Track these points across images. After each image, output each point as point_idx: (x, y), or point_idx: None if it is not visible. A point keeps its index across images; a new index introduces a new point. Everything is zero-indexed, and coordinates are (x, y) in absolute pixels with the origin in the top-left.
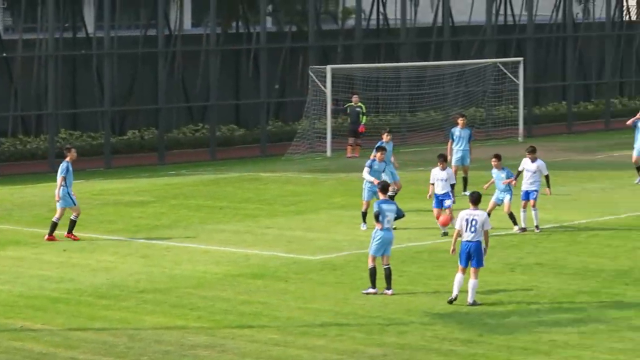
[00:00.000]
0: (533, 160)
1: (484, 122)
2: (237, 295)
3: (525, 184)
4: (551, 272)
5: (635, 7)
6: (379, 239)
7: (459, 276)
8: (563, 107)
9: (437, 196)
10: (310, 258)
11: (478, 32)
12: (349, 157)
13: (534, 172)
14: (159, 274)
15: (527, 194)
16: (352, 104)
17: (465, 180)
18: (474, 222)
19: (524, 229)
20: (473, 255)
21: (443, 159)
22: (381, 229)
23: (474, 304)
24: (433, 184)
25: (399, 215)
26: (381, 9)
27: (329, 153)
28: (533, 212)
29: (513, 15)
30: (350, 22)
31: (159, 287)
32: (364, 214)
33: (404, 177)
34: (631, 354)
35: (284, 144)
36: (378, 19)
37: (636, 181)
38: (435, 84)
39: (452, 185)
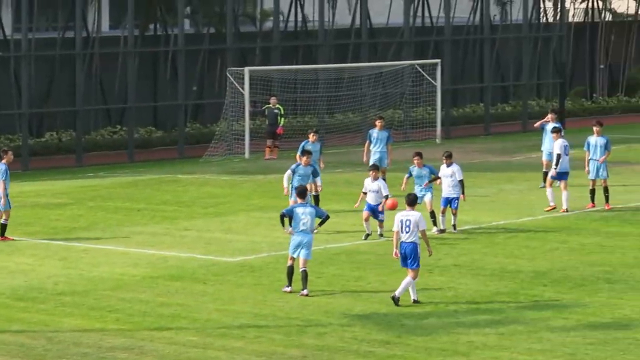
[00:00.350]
0: (449, 165)
1: (402, 124)
2: (155, 297)
3: (446, 190)
4: (469, 274)
5: (552, 8)
6: (293, 240)
7: (408, 279)
8: (480, 109)
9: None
10: (228, 260)
11: (396, 34)
12: (267, 159)
13: (452, 177)
14: (77, 276)
15: (447, 201)
16: (270, 105)
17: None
18: (408, 223)
19: (442, 231)
20: (409, 256)
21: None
22: (292, 233)
23: (396, 299)
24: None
25: (321, 216)
26: (299, 11)
27: (247, 155)
28: (452, 217)
29: (431, 17)
30: (268, 24)
31: (77, 290)
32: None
33: (322, 178)
34: (549, 355)
35: (202, 146)
36: (296, 20)
37: (541, 185)
38: (353, 85)
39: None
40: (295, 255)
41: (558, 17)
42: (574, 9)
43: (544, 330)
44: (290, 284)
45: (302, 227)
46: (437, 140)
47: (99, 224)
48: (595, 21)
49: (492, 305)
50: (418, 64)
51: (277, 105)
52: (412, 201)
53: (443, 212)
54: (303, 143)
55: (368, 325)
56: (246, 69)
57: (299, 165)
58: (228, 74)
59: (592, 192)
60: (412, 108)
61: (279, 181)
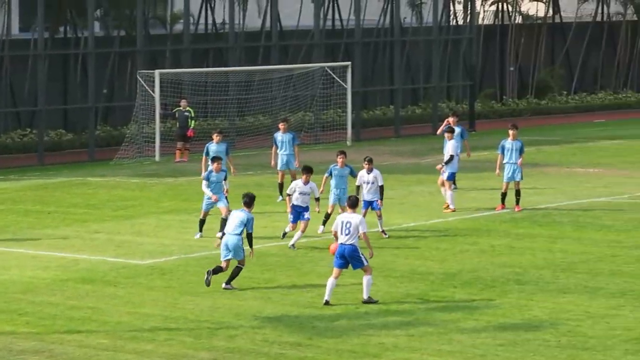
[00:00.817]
0: (370, 170)
1: (313, 127)
2: (66, 300)
3: (367, 196)
4: (380, 275)
5: (462, 11)
6: (222, 244)
7: (331, 280)
8: (391, 111)
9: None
10: (139, 262)
11: (306, 36)
12: (178, 162)
13: (373, 184)
14: None
15: (369, 204)
16: (181, 108)
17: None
18: (348, 225)
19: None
20: (348, 257)
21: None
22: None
23: (369, 300)
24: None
25: (247, 222)
26: (209, 14)
27: (157, 157)
28: (379, 222)
29: (341, 19)
30: (179, 26)
31: None
32: (202, 222)
33: (233, 181)
34: (459, 356)
35: (112, 149)
36: (206, 23)
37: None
38: (264, 88)
39: (381, 187)
40: (224, 259)
41: (468, 20)
42: (484, 11)
43: (455, 331)
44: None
45: (235, 231)
46: (348, 143)
47: (9, 227)
48: (505, 24)
49: (402, 307)
50: (328, 67)
51: (188, 108)
52: (354, 203)
53: (364, 215)
54: (207, 144)
55: (279, 328)
56: (156, 72)
57: (210, 172)
58: (138, 77)
59: (504, 194)
60: (322, 110)
61: (190, 184)
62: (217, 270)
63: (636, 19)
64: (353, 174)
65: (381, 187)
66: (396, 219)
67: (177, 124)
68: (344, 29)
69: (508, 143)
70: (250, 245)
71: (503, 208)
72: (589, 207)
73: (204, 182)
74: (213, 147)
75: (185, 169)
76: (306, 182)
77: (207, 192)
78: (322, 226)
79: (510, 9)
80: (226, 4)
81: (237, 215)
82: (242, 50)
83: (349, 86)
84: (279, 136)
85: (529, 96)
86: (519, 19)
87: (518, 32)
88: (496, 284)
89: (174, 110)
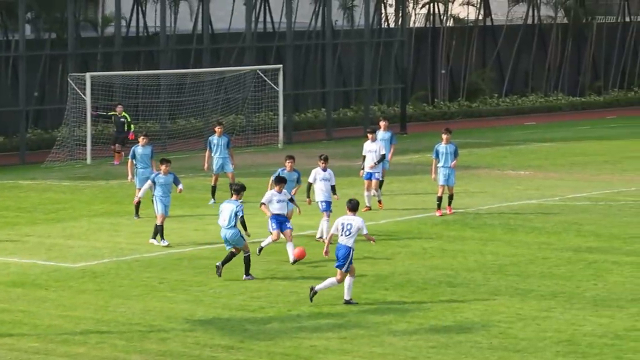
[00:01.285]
0: (325, 169)
1: (244, 129)
2: None
3: (322, 195)
4: (312, 278)
5: (393, 14)
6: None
7: (332, 280)
8: (322, 114)
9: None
10: (70, 266)
11: (238, 39)
12: (117, 164)
13: (328, 181)
14: None
15: (328, 205)
16: (116, 113)
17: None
18: (349, 227)
19: (321, 238)
20: (340, 258)
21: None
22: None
23: (350, 302)
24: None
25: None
26: (141, 17)
27: (89, 160)
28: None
29: (272, 22)
30: (110, 29)
31: None
32: (161, 228)
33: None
34: (391, 358)
35: (43, 152)
36: (138, 26)
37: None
38: (196, 91)
39: (333, 187)
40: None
41: (399, 23)
42: (415, 14)
43: (386, 334)
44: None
45: (229, 224)
46: (279, 146)
47: None
48: (436, 27)
49: (334, 310)
50: (260, 69)
51: (124, 114)
52: (355, 206)
53: (327, 218)
54: (134, 147)
55: (210, 330)
56: (87, 75)
57: (158, 174)
58: (69, 80)
59: (440, 199)
60: (254, 113)
61: (121, 187)
62: (228, 258)
63: (566, 22)
64: (299, 181)
65: (333, 187)
66: (331, 222)
67: (115, 128)
68: (276, 31)
69: (442, 147)
70: (245, 228)
71: (442, 214)
72: (520, 210)
73: (148, 183)
74: (139, 150)
75: (116, 171)
76: (280, 191)
77: (141, 194)
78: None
79: (441, 12)
80: (158, 7)
81: (227, 207)
82: (174, 53)
83: (280, 89)
84: (215, 139)
85: (460, 99)
86: (450, 22)
87: (449, 35)
88: (428, 287)
89: (109, 114)
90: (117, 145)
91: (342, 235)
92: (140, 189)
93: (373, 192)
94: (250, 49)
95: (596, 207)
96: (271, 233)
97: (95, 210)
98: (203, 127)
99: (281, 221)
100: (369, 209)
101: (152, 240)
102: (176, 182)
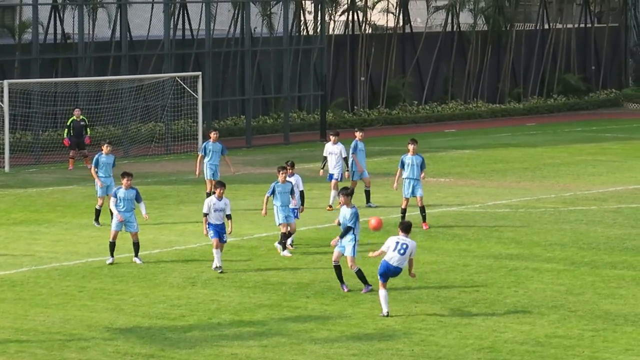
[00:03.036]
0: (290, 175)
1: (164, 137)
2: None
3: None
4: (232, 286)
5: (312, 21)
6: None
7: (383, 292)
8: (242, 121)
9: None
10: None
11: (156, 46)
12: (71, 169)
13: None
14: None
15: (294, 211)
16: (75, 117)
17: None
18: (405, 247)
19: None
20: (392, 275)
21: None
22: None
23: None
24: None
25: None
26: (59, 24)
27: (7, 168)
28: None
29: (191, 29)
30: (27, 36)
31: None
32: (112, 245)
33: (83, 192)
34: None
35: None
36: (55, 33)
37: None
38: (114, 98)
39: (301, 192)
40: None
41: (318, 30)
42: (334, 21)
43: (307, 342)
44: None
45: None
46: (200, 153)
47: None
48: (355, 34)
49: (255, 318)
50: (179, 77)
51: (82, 117)
52: (407, 228)
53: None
54: (97, 155)
55: (131, 339)
56: (5, 82)
57: (119, 188)
58: None
59: (404, 210)
60: (173, 121)
61: (39, 195)
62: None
63: (486, 29)
64: (293, 192)
65: (302, 193)
66: (248, 229)
67: (72, 132)
68: (195, 38)
69: (408, 158)
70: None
71: (428, 227)
72: (440, 217)
73: (112, 200)
74: (103, 158)
75: (34, 179)
76: (220, 198)
77: (115, 210)
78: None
79: (360, 19)
80: (75, 13)
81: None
82: (92, 60)
83: (199, 96)
84: (209, 145)
85: (380, 106)
86: (369, 30)
87: (369, 42)
88: (348, 294)
89: (69, 122)
90: (73, 151)
91: (394, 251)
92: (100, 197)
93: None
94: (168, 56)
95: (516, 214)
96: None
97: (13, 218)
98: (122, 135)
99: (218, 230)
100: (331, 208)
101: (136, 259)
102: (138, 198)
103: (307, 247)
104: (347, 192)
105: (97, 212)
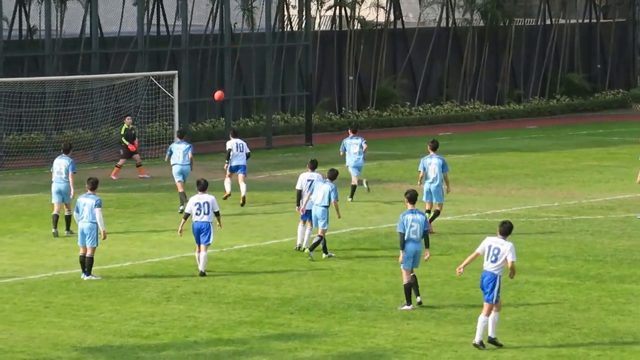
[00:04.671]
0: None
1: (137, 140)
2: None
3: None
4: (210, 302)
5: (297, 16)
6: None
7: (481, 318)
8: (221, 124)
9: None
10: None
11: (129, 43)
12: (115, 179)
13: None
14: None
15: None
16: (126, 125)
17: None
18: (496, 252)
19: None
20: (485, 287)
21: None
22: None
23: (494, 341)
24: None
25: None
26: (24, 19)
27: None
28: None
29: (167, 25)
30: None
31: None
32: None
33: (49, 200)
34: None
35: None
36: (20, 29)
37: (348, 199)
38: (84, 99)
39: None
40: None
41: (303, 26)
42: (321, 17)
43: None
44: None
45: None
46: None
47: None
48: (343, 30)
49: (235, 336)
50: (153, 76)
51: (132, 125)
52: (508, 230)
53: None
54: (59, 157)
55: (101, 359)
56: None
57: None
58: None
59: (427, 212)
60: (147, 123)
61: (3, 203)
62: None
63: (483, 25)
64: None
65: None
66: (228, 240)
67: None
68: (170, 35)
69: (428, 160)
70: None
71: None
72: (435, 227)
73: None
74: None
75: None
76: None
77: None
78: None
79: (348, 14)
80: (42, 8)
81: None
82: (60, 58)
83: (175, 97)
84: (175, 145)
85: (369, 107)
86: (357, 25)
87: (357, 39)
88: (336, 310)
89: (122, 131)
90: (123, 160)
91: (486, 260)
92: (55, 204)
93: None
94: (142, 54)
95: (517, 223)
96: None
97: None
98: (92, 138)
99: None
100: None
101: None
102: (98, 203)
103: (291, 259)
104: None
105: (67, 220)
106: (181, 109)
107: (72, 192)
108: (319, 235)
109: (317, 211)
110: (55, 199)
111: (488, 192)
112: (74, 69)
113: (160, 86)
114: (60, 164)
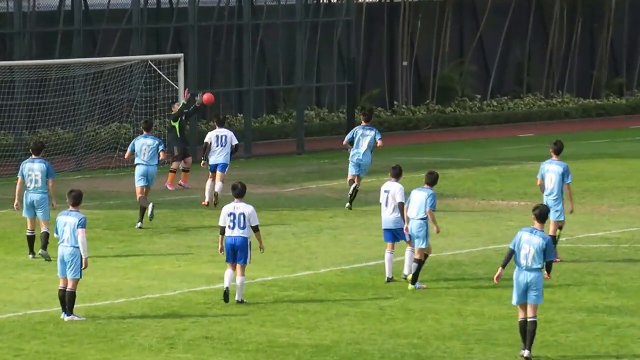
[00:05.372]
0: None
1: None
2: None
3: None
4: (225, 349)
5: None
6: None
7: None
8: (239, 122)
9: None
10: None
11: (121, 18)
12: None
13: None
14: None
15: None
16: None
17: None
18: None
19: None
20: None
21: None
22: None
23: None
24: None
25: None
26: None
27: None
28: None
29: None
30: None
31: None
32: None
33: (20, 219)
34: None
35: None
36: None
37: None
38: (63, 89)
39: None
40: None
41: None
42: None
43: None
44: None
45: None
46: (181, 167)
47: None
48: (396, 1)
49: None
50: (153, 60)
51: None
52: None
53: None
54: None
55: None
56: None
57: (71, 212)
58: None
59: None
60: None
61: None
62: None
63: None
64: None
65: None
66: (248, 270)
67: (178, 132)
68: (174, 7)
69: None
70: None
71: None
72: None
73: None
74: (30, 165)
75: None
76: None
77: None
78: None
79: None
80: None
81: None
82: (33, 37)
83: (180, 87)
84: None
85: (429, 101)
86: None
87: (414, 13)
88: None
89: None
90: (185, 159)
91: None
92: (29, 220)
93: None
94: (138, 32)
95: (618, 251)
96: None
97: None
98: (74, 140)
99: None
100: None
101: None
102: (81, 223)
103: (329, 294)
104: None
105: (43, 238)
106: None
107: (54, 204)
108: (417, 259)
109: (413, 226)
110: (27, 214)
111: (581, 210)
112: (51, 51)
113: (161, 73)
114: (33, 169)
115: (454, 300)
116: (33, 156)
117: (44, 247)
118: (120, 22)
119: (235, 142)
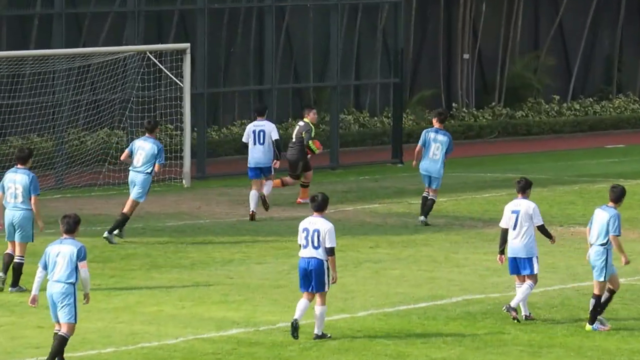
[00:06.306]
0: None
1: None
2: None
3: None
4: None
5: None
6: None
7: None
8: None
9: None
10: None
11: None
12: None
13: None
14: None
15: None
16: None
17: None
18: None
19: None
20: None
21: None
22: None
23: None
24: None
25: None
26: None
27: None
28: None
29: None
30: None
31: None
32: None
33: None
34: None
35: None
36: None
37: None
38: (41, 87)
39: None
40: None
41: None
42: None
43: None
44: None
45: None
46: (184, 183)
47: None
48: None
49: None
50: (152, 51)
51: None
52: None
53: None
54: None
55: None
56: None
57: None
58: None
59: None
60: (142, 126)
61: None
62: None
63: None
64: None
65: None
66: (267, 313)
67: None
68: None
69: None
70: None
71: None
72: (590, 294)
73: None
74: (14, 176)
75: None
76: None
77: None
78: None
79: None
80: None
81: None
82: (4, 22)
83: (186, 85)
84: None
85: (495, 104)
86: None
87: None
88: None
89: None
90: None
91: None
92: (10, 244)
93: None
94: (134, 16)
95: None
96: None
97: None
98: (54, 150)
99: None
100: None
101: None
102: (81, 255)
103: (368, 344)
104: None
105: (16, 270)
106: (195, 103)
107: (40, 225)
108: (595, 295)
109: (591, 253)
110: (7, 236)
111: None
112: (27, 40)
113: (162, 68)
114: (15, 180)
115: (522, 352)
116: (18, 165)
117: (15, 283)
118: (112, 4)
119: (275, 136)
